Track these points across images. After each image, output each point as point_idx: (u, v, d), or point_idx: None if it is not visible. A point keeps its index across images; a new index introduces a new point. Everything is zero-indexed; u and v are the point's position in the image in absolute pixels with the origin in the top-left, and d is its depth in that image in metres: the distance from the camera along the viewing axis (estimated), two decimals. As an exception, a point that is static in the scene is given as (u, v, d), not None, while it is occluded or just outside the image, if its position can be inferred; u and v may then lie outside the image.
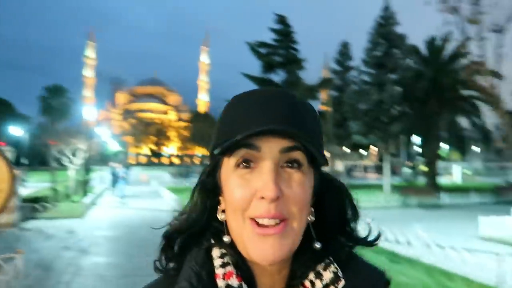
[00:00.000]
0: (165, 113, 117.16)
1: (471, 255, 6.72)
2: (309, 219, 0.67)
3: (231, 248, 0.66)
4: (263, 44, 27.61)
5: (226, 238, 0.66)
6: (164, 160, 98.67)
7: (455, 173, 35.98)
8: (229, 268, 0.65)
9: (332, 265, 0.68)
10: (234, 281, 0.64)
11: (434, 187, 22.94)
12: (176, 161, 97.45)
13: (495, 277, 5.76)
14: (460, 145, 27.51)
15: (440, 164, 29.72)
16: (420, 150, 25.61)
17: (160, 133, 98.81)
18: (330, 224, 0.71)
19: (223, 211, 0.67)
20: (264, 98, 0.65)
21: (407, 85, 24.13)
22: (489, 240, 8.99)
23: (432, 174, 24.59)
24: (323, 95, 34.21)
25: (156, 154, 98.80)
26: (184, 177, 36.69)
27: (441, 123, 24.00)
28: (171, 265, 0.70)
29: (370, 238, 0.74)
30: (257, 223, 0.61)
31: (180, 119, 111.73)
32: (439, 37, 24.16)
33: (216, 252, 0.67)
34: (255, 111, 0.63)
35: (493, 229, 9.35)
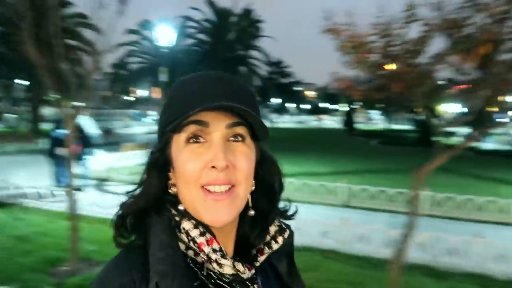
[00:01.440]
0: None
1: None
2: (251, 188, 0.75)
3: (189, 215, 0.72)
4: None
5: (181, 207, 0.73)
6: None
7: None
8: (209, 235, 0.71)
9: (275, 221, 0.80)
10: (216, 245, 0.70)
11: (35, 133, 22.97)
12: None
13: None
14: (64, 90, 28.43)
15: (48, 110, 29.64)
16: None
17: None
18: (263, 194, 0.79)
19: (174, 184, 0.74)
20: (211, 79, 0.72)
21: (7, 26, 22.25)
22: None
23: (35, 120, 24.47)
24: None
25: None
26: None
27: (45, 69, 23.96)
28: (134, 238, 0.73)
29: (289, 213, 0.83)
30: (208, 191, 0.69)
31: None
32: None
33: (188, 225, 0.71)
34: (204, 90, 0.70)
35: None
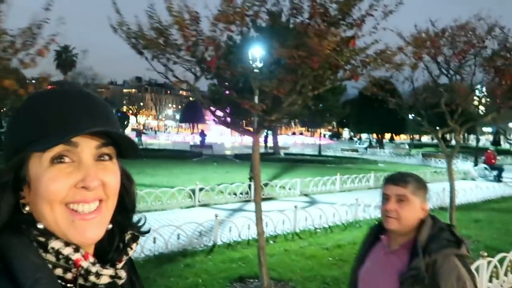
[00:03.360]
0: None
1: None
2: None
3: (54, 234, 0.69)
4: None
5: (40, 225, 0.68)
6: None
7: None
8: (82, 251, 0.70)
9: (130, 231, 0.81)
10: (91, 258, 0.70)
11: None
12: None
13: None
14: None
15: None
16: None
17: None
18: (120, 209, 0.78)
19: (27, 203, 0.70)
20: (74, 97, 0.70)
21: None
22: None
23: None
24: None
25: None
26: None
27: None
28: None
29: (142, 229, 0.84)
30: (75, 211, 0.68)
31: None
32: None
33: (57, 244, 0.68)
34: (73, 109, 0.68)
35: None
